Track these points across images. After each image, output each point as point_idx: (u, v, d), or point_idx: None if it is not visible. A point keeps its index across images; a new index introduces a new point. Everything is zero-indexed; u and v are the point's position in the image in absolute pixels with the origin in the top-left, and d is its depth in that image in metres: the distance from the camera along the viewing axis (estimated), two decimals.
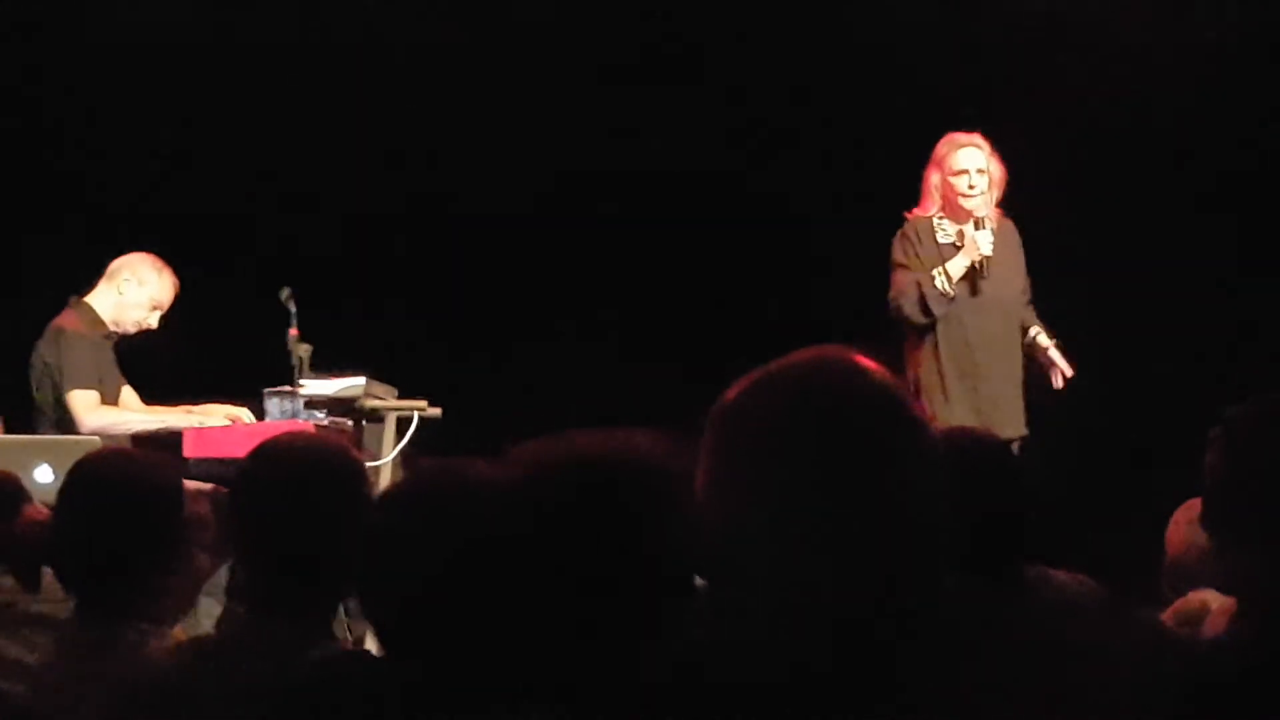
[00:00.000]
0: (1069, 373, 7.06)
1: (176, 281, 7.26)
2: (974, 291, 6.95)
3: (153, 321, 7.24)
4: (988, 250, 6.94)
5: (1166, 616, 4.01)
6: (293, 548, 3.00)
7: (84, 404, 6.97)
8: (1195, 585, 4.05)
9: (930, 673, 1.84)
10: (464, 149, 8.80)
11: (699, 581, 2.01)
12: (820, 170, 8.65)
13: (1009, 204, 7.11)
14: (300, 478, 3.04)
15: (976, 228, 6.95)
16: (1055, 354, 7.07)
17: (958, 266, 6.94)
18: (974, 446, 3.18)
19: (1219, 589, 3.80)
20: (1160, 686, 2.68)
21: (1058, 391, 7.07)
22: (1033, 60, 8.15)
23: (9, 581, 4.01)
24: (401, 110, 8.77)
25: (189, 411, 7.08)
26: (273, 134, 8.68)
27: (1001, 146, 7.03)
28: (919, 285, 6.93)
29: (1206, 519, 2.92)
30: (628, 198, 8.79)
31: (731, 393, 1.83)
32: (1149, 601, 4.30)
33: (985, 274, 6.94)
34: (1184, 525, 4.20)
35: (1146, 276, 8.10)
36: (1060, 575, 3.24)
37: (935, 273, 6.93)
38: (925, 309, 6.93)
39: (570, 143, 8.77)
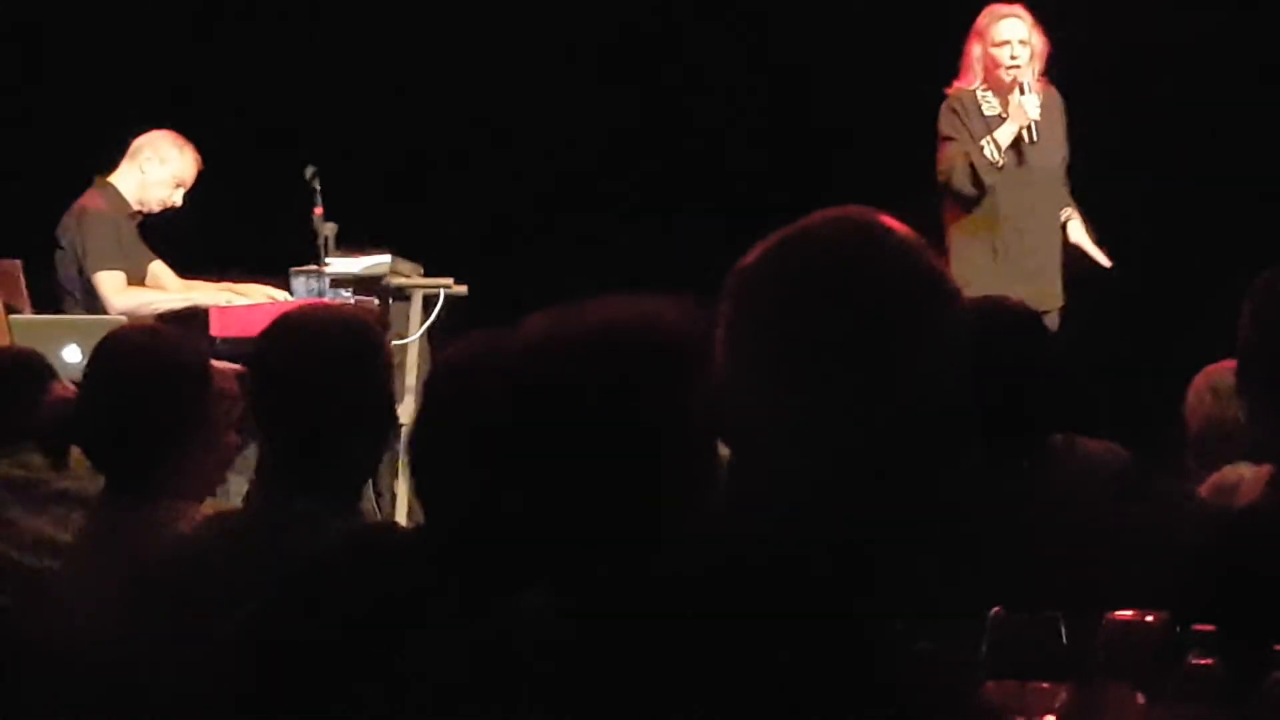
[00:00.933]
0: (1106, 263, 7.07)
1: (199, 157, 7.21)
2: (1020, 161, 6.95)
3: (177, 199, 7.20)
4: (1035, 114, 6.93)
5: (1203, 489, 3.99)
6: (311, 420, 2.99)
7: (112, 285, 6.94)
8: (1222, 457, 4.03)
9: (955, 539, 1.82)
10: (495, 28, 8.74)
11: (723, 449, 1.98)
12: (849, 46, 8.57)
13: (1050, 76, 7.06)
14: (316, 349, 3.02)
15: (1021, 93, 6.92)
16: (1088, 245, 7.10)
17: (1006, 134, 6.93)
18: (1004, 315, 3.15)
19: (1252, 460, 3.77)
20: (1192, 551, 2.67)
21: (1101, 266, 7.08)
22: None
23: (38, 459, 4.02)
24: None
25: (226, 290, 7.05)
26: (301, 9, 8.63)
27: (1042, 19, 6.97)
28: (968, 157, 6.92)
29: (1240, 384, 2.90)
30: (657, 65, 8.75)
31: (751, 255, 1.78)
32: (1182, 474, 4.28)
33: (1034, 138, 6.93)
34: (1206, 394, 4.17)
35: (1190, 146, 8.02)
36: (1089, 443, 3.21)
37: (984, 142, 6.92)
38: (976, 180, 6.92)
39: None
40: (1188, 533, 2.81)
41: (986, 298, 3.32)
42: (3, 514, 3.91)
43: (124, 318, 6.53)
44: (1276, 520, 2.62)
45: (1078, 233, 7.11)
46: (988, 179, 6.90)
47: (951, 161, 6.94)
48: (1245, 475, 3.92)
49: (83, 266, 6.94)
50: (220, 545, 2.98)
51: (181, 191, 7.19)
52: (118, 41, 8.53)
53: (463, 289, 6.98)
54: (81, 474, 3.78)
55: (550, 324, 2.05)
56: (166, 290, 7.11)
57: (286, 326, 3.10)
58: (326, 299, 6.77)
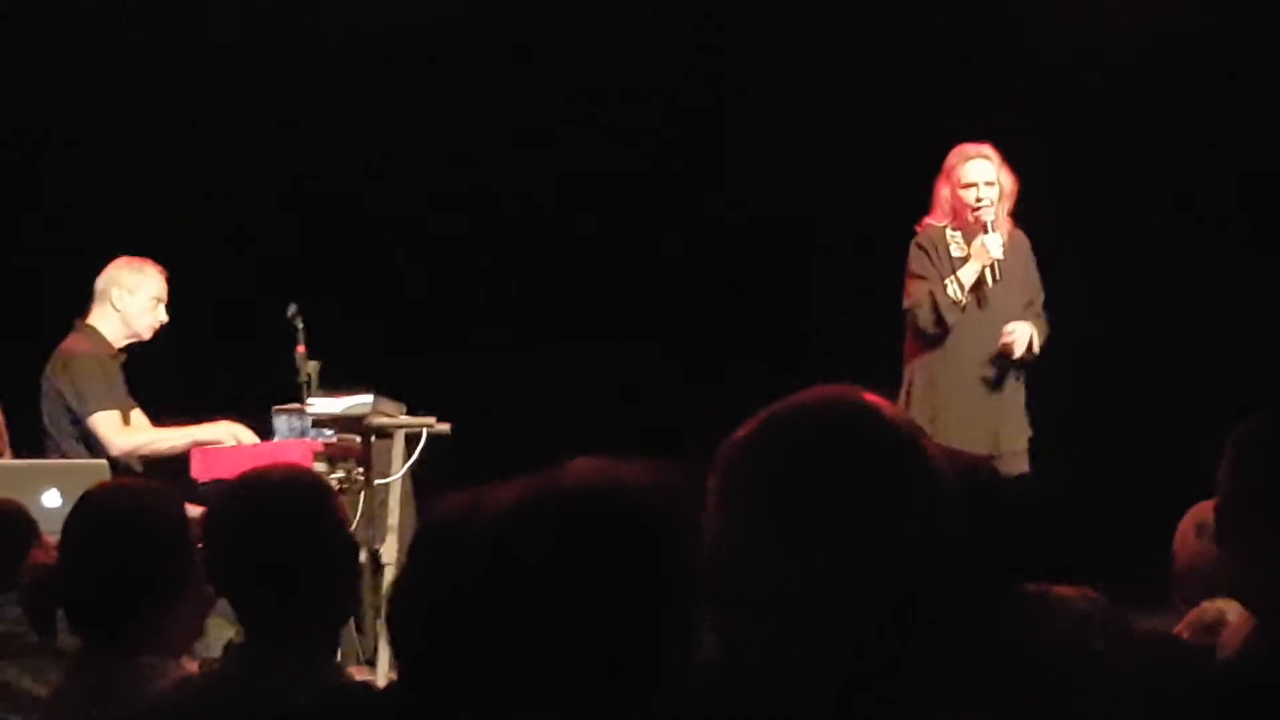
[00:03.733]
0: (1016, 350, 7.02)
1: (162, 268, 7.16)
2: (981, 303, 7.02)
3: (162, 316, 7.14)
4: (998, 254, 7.01)
5: (1181, 628, 3.97)
6: (271, 578, 3.04)
7: (110, 425, 6.91)
8: (1208, 594, 4.01)
9: (938, 698, 1.83)
10: (473, 157, 8.80)
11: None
12: (824, 173, 8.65)
13: (1019, 215, 7.15)
14: (265, 509, 3.08)
15: (986, 232, 6.99)
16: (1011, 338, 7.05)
17: (970, 273, 7.01)
18: (960, 470, 3.12)
19: (1234, 598, 3.76)
20: (1172, 701, 2.66)
21: (1066, 397, 7.12)
22: (1038, 65, 8.16)
23: (17, 611, 3.99)
24: (407, 112, 8.77)
25: (228, 428, 6.97)
26: (276, 143, 8.69)
27: (1010, 155, 7.03)
28: (932, 295, 7.00)
29: (1219, 532, 2.89)
30: (631, 203, 8.81)
31: (740, 432, 1.83)
32: (1162, 611, 4.27)
33: (997, 277, 6.98)
34: (1192, 532, 4.16)
35: (1159, 281, 8.09)
36: (1063, 591, 3.19)
37: (948, 281, 7.01)
38: (939, 319, 7.00)
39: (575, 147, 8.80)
40: (1167, 678, 2.79)
41: (944, 450, 3.30)
42: None
43: (104, 462, 6.52)
44: (1259, 669, 2.61)
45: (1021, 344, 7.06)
46: (950, 318, 6.98)
47: (917, 298, 7.02)
48: (1228, 613, 3.90)
49: (76, 410, 6.90)
50: (200, 705, 2.98)
51: (162, 306, 7.14)
52: (86, 179, 8.57)
53: (445, 428, 6.97)
54: (62, 626, 3.75)
55: (527, 491, 2.07)
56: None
57: (229, 493, 3.16)
58: (309, 440, 6.77)
